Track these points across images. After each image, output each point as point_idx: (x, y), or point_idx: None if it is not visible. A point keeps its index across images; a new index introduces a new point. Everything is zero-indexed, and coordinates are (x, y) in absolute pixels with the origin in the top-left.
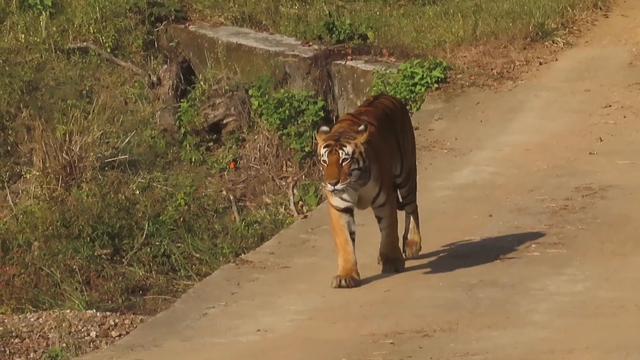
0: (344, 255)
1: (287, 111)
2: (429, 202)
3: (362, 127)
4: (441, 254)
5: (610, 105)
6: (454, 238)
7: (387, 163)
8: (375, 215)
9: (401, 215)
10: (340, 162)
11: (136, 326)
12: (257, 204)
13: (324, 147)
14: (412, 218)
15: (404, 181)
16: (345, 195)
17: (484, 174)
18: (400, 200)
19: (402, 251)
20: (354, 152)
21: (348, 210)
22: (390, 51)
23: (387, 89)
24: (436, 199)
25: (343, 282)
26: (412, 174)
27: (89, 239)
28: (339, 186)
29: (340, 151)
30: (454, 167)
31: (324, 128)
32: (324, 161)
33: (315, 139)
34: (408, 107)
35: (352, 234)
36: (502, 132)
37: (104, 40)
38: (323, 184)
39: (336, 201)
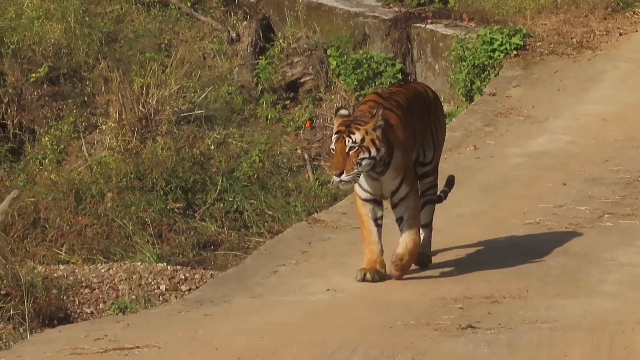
0: (368, 246)
1: (364, 72)
2: (504, 169)
3: (373, 112)
4: (514, 221)
5: None
6: (527, 205)
7: (411, 152)
8: (395, 213)
9: None
10: (347, 150)
11: (206, 281)
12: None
13: (335, 133)
14: (426, 232)
15: (430, 171)
16: (365, 185)
17: (560, 142)
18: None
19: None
20: (362, 140)
21: (372, 201)
22: (470, 16)
23: (466, 53)
24: (511, 165)
25: (368, 275)
26: (436, 169)
27: (162, 192)
28: (344, 177)
29: (348, 139)
30: (530, 135)
31: (343, 111)
32: (332, 149)
33: None
34: (486, 73)
35: (378, 225)
36: (580, 102)
37: None
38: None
39: (358, 190)
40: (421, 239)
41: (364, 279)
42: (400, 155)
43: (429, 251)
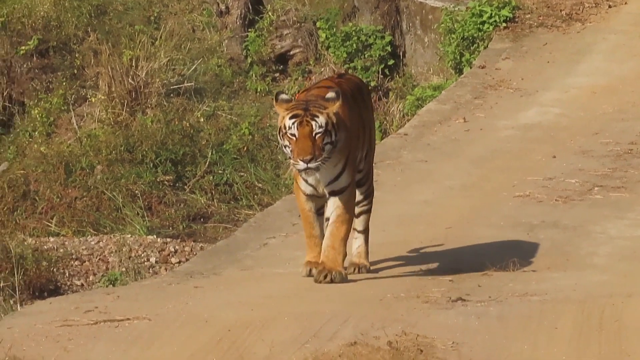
0: (312, 240)
1: (354, 45)
2: (494, 141)
3: (332, 95)
4: (504, 194)
5: None
6: (517, 178)
7: (355, 138)
8: (326, 208)
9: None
10: (314, 135)
11: (196, 253)
12: None
13: (291, 118)
14: (362, 239)
15: (363, 177)
16: (310, 178)
17: (549, 115)
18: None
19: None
20: (327, 124)
21: (313, 197)
22: None
23: (455, 26)
24: (500, 138)
25: (314, 270)
26: (371, 174)
27: (152, 164)
28: (312, 164)
29: (313, 122)
30: (519, 107)
31: (284, 96)
32: (292, 135)
33: (381, 74)
34: (476, 46)
35: (320, 214)
36: (569, 74)
37: None
38: (292, 161)
39: (302, 185)
40: (358, 246)
41: (309, 274)
42: (344, 138)
43: (366, 261)
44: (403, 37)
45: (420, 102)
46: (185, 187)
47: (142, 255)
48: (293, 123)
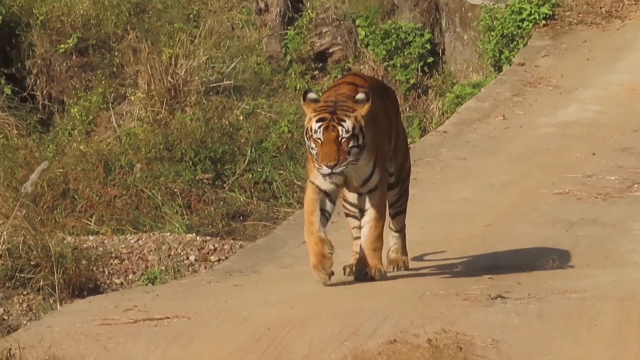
0: (312, 238)
1: (393, 42)
2: (533, 139)
3: (362, 96)
4: (543, 191)
5: None
6: (556, 175)
7: (385, 137)
8: (358, 208)
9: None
10: (340, 140)
11: (235, 251)
12: None
13: (318, 121)
14: (399, 237)
15: (395, 181)
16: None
17: (589, 112)
18: (387, 208)
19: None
20: (354, 128)
21: (328, 194)
22: None
23: (494, 23)
24: (540, 135)
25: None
26: (406, 175)
27: (191, 163)
28: (337, 169)
29: (340, 127)
30: (558, 105)
31: (312, 95)
32: (318, 138)
33: (420, 71)
34: (515, 43)
35: (324, 216)
36: (609, 71)
37: None
38: (316, 165)
39: (320, 181)
40: (394, 243)
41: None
42: (372, 139)
43: (405, 257)
44: (442, 35)
45: (459, 100)
46: (225, 185)
47: (182, 253)
48: (319, 127)
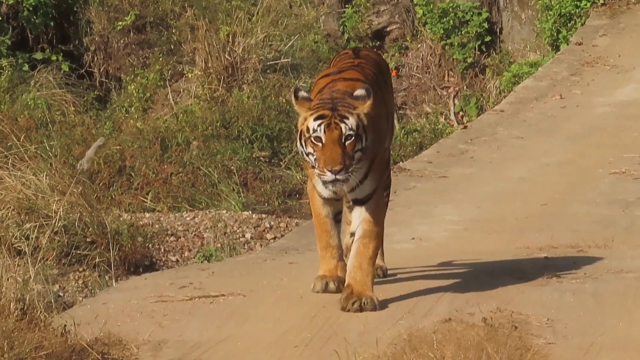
0: (328, 251)
1: (451, 21)
2: (590, 118)
3: (362, 92)
4: (599, 171)
5: None
6: (613, 155)
7: (384, 136)
8: (347, 221)
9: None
10: (344, 140)
11: (291, 229)
12: (418, 112)
13: (316, 119)
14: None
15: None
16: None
17: None
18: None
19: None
20: (358, 127)
21: (331, 201)
22: None
23: (552, 2)
24: (597, 115)
25: (331, 285)
26: (389, 160)
27: (247, 140)
28: (342, 175)
29: (343, 125)
30: (616, 84)
31: (304, 93)
32: (318, 139)
33: (478, 50)
34: (573, 22)
35: (337, 221)
36: None
37: None
38: (317, 171)
39: (320, 187)
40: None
41: (326, 289)
42: (372, 139)
43: (381, 262)
44: (500, 14)
45: (516, 79)
46: (281, 163)
47: (238, 231)
48: (319, 125)
